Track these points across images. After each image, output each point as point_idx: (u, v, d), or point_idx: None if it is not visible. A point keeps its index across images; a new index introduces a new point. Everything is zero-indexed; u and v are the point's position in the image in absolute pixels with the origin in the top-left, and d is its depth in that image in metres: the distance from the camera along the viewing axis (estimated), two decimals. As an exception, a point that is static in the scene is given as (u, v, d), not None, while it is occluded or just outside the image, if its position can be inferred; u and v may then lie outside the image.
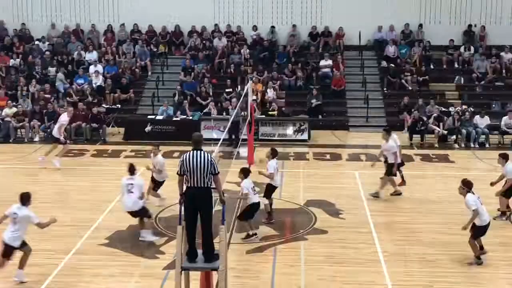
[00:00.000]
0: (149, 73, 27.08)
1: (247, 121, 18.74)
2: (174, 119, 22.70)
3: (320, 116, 24.35)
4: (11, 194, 15.60)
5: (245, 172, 12.77)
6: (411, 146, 21.50)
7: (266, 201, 13.63)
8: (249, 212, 12.70)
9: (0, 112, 23.16)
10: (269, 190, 13.74)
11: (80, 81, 25.60)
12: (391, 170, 15.30)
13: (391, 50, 27.11)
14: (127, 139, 22.33)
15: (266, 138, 22.21)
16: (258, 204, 12.76)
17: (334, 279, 10.93)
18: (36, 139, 22.40)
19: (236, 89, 24.75)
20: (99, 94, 25.19)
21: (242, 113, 21.71)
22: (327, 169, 18.62)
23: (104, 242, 12.51)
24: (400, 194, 15.63)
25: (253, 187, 12.72)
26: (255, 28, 28.22)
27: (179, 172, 8.75)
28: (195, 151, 8.66)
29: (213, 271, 8.67)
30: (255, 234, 12.68)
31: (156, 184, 14.68)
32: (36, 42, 28.12)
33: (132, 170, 12.79)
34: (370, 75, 26.76)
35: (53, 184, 16.97)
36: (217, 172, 8.65)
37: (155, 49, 27.86)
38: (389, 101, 25.41)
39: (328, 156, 20.14)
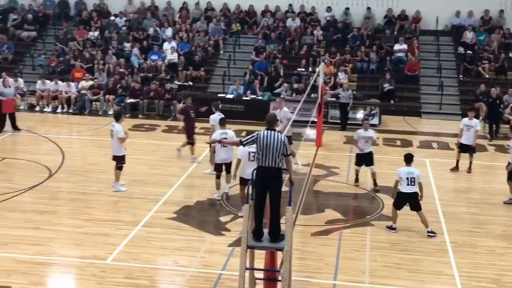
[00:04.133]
0: (221, 51, 27.24)
1: (317, 103, 18.64)
2: (244, 98, 22.80)
3: (392, 101, 23.93)
4: (85, 164, 16.19)
5: (405, 158, 12.51)
6: (490, 136, 20.67)
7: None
8: (395, 201, 12.42)
9: (76, 85, 23.88)
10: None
11: (154, 57, 26.01)
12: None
13: (469, 36, 26.28)
14: (197, 116, 22.54)
15: (335, 121, 22.02)
16: (405, 194, 12.13)
17: (400, 267, 10.79)
18: (110, 112, 22.87)
19: (308, 70, 24.61)
20: (172, 70, 25.57)
21: (312, 95, 21.63)
22: (396, 155, 18.31)
23: (171, 216, 12.76)
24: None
25: (412, 177, 12.07)
26: (329, 9, 27.91)
27: (243, 141, 8.85)
28: (269, 131, 8.69)
29: (278, 251, 8.71)
30: (393, 227, 12.33)
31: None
32: (113, 17, 28.73)
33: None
34: (446, 61, 26.06)
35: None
36: (289, 153, 8.68)
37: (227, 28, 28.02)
38: (464, 88, 24.71)
39: (398, 142, 19.81)
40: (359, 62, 25.65)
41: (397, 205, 12.36)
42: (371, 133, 14.85)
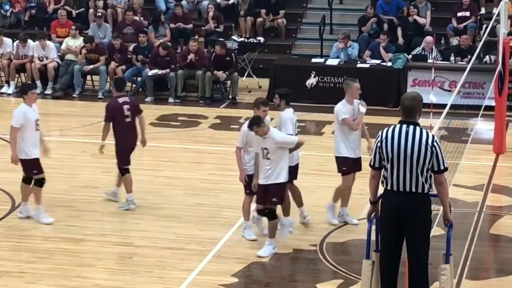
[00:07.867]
0: (317, -19, 27.35)
1: (497, 72, 18.41)
2: (360, 65, 22.71)
3: None
4: (73, 188, 16.41)
5: None
6: None
7: None
8: None
9: (58, 46, 24.32)
10: None
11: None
12: None
13: None
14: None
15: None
16: None
17: None
18: (118, 94, 23.27)
19: (478, 13, 24.34)
20: (227, 17, 25.69)
21: (486, 58, 21.36)
22: None
23: (229, 282, 12.77)
24: None
25: None
26: None
27: (372, 163, 8.88)
28: (404, 126, 8.75)
29: None
30: None
31: None
32: None
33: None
34: None
35: (141, 175, 17.35)
36: (444, 167, 8.72)
37: None
38: None
39: None
40: None
41: None
42: None
